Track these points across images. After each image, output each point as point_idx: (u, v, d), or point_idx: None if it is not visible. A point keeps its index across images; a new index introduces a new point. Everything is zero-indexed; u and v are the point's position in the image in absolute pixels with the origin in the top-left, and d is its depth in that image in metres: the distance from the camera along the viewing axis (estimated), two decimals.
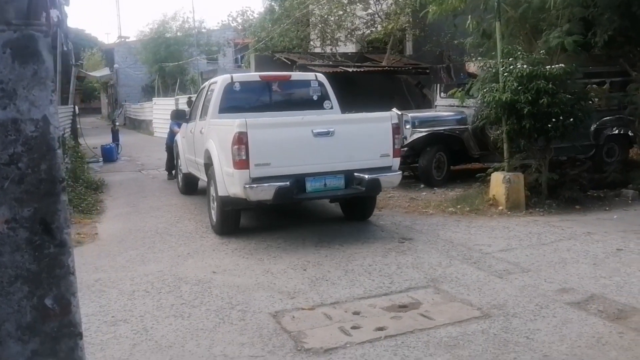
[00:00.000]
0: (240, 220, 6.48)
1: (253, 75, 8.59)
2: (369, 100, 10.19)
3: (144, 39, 31.50)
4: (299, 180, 5.78)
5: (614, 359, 3.25)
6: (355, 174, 6.00)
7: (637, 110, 8.25)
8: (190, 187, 9.16)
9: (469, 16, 8.29)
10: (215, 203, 6.41)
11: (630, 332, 3.58)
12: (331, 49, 15.46)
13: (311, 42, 16.73)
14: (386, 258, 5.37)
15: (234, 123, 5.64)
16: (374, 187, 6.12)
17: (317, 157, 5.85)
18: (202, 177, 7.43)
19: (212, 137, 6.49)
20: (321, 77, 7.51)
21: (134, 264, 5.50)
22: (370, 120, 6.41)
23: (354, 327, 3.76)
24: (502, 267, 5.00)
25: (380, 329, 3.72)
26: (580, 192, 7.56)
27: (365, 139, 6.10)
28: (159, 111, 23.33)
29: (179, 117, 9.91)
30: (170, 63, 29.22)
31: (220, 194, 6.06)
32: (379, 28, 14.87)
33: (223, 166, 5.97)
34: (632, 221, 6.59)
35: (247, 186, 5.57)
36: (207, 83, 8.16)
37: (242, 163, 5.58)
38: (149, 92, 31.47)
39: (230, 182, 5.81)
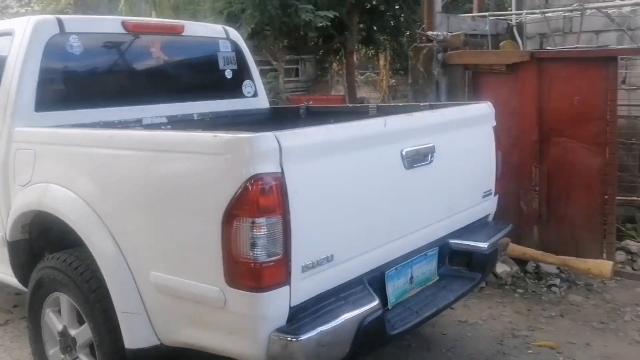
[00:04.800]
0: None
1: (108, 20, 3.46)
2: None
3: None
4: (378, 282, 2.43)
5: None
6: (453, 241, 2.83)
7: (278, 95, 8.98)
8: None
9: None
10: None
11: None
12: None
13: None
14: None
15: (232, 145, 1.94)
16: (493, 263, 3.17)
17: (405, 217, 2.51)
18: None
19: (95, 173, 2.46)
20: (235, 35, 3.89)
21: None
22: (466, 122, 2.94)
23: None
24: None
25: None
26: None
27: (467, 163, 2.91)
28: None
29: None
30: None
31: (128, 345, 2.29)
32: (36, 8, 13.75)
33: (164, 273, 2.18)
34: None
35: (280, 336, 1.94)
36: None
37: (268, 270, 1.90)
38: None
39: (194, 319, 2.16)
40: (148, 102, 3.33)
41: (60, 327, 2.72)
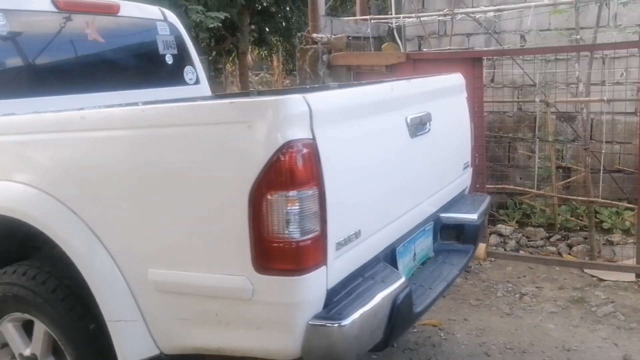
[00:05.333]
0: None
1: None
2: None
3: None
4: (389, 259, 2.31)
5: None
6: (444, 215, 2.76)
7: None
8: None
9: None
10: None
11: None
12: None
13: None
14: None
15: (257, 110, 1.69)
16: (481, 234, 3.07)
17: (411, 189, 2.41)
18: None
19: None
20: (173, 18, 3.64)
21: None
22: (449, 90, 2.91)
23: None
24: None
25: None
26: None
27: (453, 134, 2.89)
28: None
29: None
30: None
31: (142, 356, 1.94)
32: None
33: (168, 269, 1.88)
34: None
35: (321, 323, 1.72)
36: None
37: (306, 249, 1.68)
38: None
39: (207, 318, 1.85)
40: (85, 91, 2.95)
41: (27, 351, 2.25)
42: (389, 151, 2.19)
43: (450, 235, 2.84)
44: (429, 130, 2.46)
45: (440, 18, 6.36)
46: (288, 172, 1.61)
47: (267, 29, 12.34)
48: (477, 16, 6.20)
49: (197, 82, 3.68)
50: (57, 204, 1.97)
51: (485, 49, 6.14)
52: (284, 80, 14.54)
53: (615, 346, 3.38)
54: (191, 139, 1.76)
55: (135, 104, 2.95)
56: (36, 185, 2.03)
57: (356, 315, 1.73)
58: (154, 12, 3.53)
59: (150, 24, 3.44)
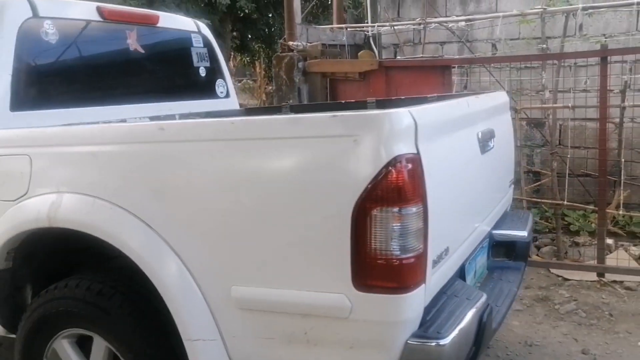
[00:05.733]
0: None
1: (82, 5, 2.92)
2: None
3: None
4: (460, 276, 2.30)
5: None
6: (496, 232, 2.73)
7: None
8: None
9: None
10: None
11: None
12: None
13: None
14: None
15: (364, 124, 1.64)
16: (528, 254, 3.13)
17: (480, 205, 2.45)
18: None
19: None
20: (205, 30, 3.59)
21: None
22: (500, 108, 2.87)
23: None
24: None
25: None
26: None
27: (505, 151, 2.89)
28: None
29: None
30: None
31: None
32: None
33: (254, 287, 1.82)
34: None
35: (421, 342, 1.68)
36: None
37: (409, 267, 1.65)
38: None
39: (294, 337, 1.79)
40: (127, 102, 2.94)
41: None
42: (467, 167, 2.19)
43: (500, 252, 2.81)
44: (493, 146, 2.46)
45: (414, 27, 6.53)
46: (395, 188, 1.57)
47: (249, 36, 12.45)
48: (450, 25, 6.39)
49: (227, 95, 3.63)
50: (133, 219, 1.90)
51: (457, 57, 6.32)
52: (267, 87, 14.63)
53: (575, 341, 3.54)
54: (288, 152, 1.71)
55: (173, 116, 3.06)
56: (108, 199, 1.94)
57: (454, 333, 1.70)
58: (188, 23, 3.49)
59: (185, 35, 3.40)
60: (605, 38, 5.82)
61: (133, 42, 3.03)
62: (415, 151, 1.64)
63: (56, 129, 2.31)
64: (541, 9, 5.35)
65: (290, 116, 1.94)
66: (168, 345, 1.96)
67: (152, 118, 2.92)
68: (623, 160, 4.98)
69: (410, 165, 1.61)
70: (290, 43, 5.53)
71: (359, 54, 6.56)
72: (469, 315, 1.82)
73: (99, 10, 2.88)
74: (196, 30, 3.47)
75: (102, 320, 2.02)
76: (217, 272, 1.82)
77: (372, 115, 1.66)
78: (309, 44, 5.63)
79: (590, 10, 5.67)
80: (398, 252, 1.59)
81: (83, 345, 2.17)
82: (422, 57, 6.22)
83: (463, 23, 6.17)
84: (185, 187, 1.84)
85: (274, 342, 1.78)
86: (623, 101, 5.03)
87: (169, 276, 1.84)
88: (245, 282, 1.78)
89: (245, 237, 1.76)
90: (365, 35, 7.08)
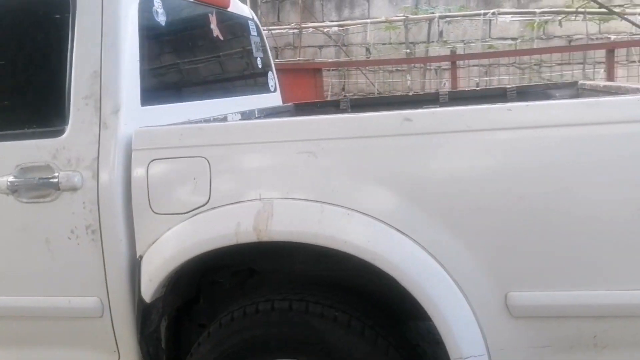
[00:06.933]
0: None
1: None
2: None
3: None
4: None
5: None
6: None
7: None
8: None
9: None
10: None
11: None
12: None
13: None
14: None
15: None
16: None
17: None
18: None
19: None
20: (255, 17, 3.24)
21: None
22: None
23: None
24: None
25: None
26: None
27: None
28: None
29: None
30: None
31: None
32: None
33: (540, 290, 1.61)
34: None
35: None
36: None
37: None
38: None
39: (581, 342, 1.62)
40: (220, 95, 2.48)
41: None
42: None
43: None
44: None
45: (292, 31, 6.81)
46: None
47: None
48: (326, 30, 6.73)
49: (275, 89, 3.19)
50: (385, 227, 1.59)
51: (331, 60, 6.68)
52: None
53: None
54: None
55: (253, 112, 2.66)
56: (341, 204, 1.60)
57: None
58: (245, 9, 3.00)
59: (245, 22, 2.91)
60: (464, 44, 6.43)
61: (215, 28, 2.56)
62: None
63: (260, 122, 1.91)
64: (404, 17, 5.82)
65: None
66: None
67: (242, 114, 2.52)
68: None
69: None
70: None
71: None
72: None
73: None
74: (251, 17, 3.03)
75: (332, 347, 1.65)
76: (489, 279, 1.57)
77: None
78: None
79: (448, 19, 6.25)
80: None
81: None
82: (298, 60, 6.50)
83: (336, 28, 6.53)
84: (478, 183, 1.52)
85: (547, 350, 1.59)
86: None
87: (435, 289, 1.58)
88: (521, 287, 1.56)
89: (536, 233, 1.52)
90: None
